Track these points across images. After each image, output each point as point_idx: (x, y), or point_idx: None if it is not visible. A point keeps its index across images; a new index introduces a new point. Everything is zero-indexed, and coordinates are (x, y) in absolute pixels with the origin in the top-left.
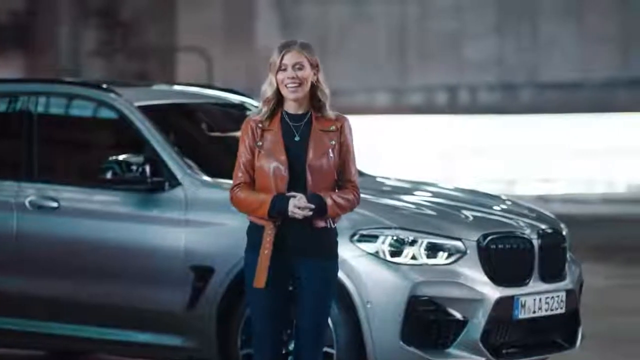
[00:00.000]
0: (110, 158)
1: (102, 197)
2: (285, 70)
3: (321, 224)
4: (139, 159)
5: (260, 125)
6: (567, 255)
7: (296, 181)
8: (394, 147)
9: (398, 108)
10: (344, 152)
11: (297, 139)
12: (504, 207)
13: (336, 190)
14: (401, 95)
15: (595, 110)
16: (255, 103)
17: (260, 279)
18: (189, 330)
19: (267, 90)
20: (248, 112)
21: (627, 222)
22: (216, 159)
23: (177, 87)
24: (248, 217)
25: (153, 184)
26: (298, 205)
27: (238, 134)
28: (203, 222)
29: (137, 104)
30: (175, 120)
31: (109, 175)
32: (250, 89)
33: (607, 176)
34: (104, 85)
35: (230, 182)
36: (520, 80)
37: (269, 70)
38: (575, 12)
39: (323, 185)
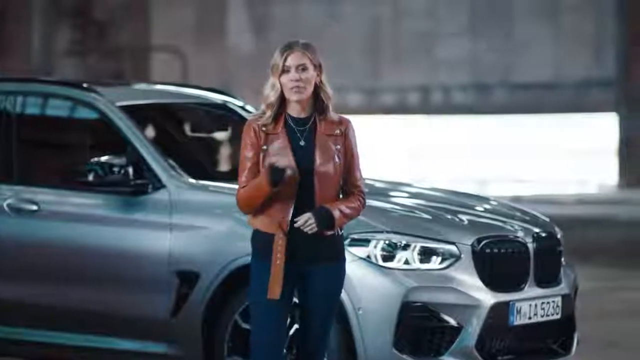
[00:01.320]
0: (92, 159)
1: (83, 200)
2: (288, 72)
3: (329, 232)
4: (122, 160)
5: (264, 128)
6: (562, 259)
7: (303, 188)
8: (366, 148)
9: (370, 108)
10: (349, 157)
11: (302, 143)
12: (498, 209)
13: (340, 196)
14: (374, 95)
15: (569, 110)
16: (238, 102)
17: (275, 290)
18: (174, 337)
19: (271, 94)
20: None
21: (603, 223)
22: (200, 161)
23: (159, 87)
24: (252, 224)
25: (136, 187)
26: (305, 226)
27: (222, 134)
28: (188, 226)
29: (118, 103)
30: (158, 120)
31: (90, 177)
32: (225, 87)
33: (580, 176)
34: (85, 85)
35: (217, 184)
36: (493, 81)
37: (271, 73)
38: (549, 13)
39: (330, 191)
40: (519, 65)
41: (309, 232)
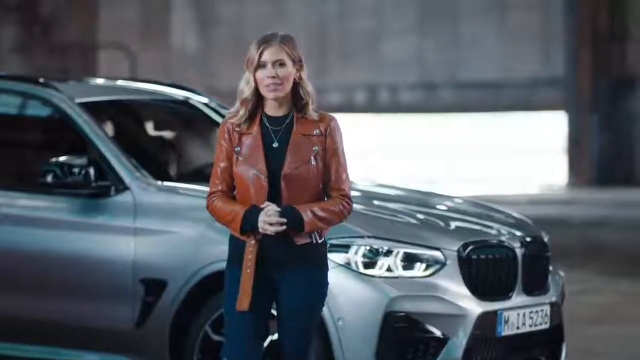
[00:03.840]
0: (51, 160)
1: (41, 203)
2: (264, 67)
3: (303, 240)
4: (82, 160)
5: (237, 128)
6: (550, 265)
7: (275, 192)
8: None
9: (317, 107)
10: (329, 158)
11: (275, 144)
12: (483, 213)
13: (324, 200)
14: (320, 94)
15: (517, 109)
16: (201, 99)
17: (243, 301)
18: (139, 349)
19: (245, 89)
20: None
21: (557, 224)
22: (164, 161)
23: (119, 83)
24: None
25: (98, 188)
26: (268, 220)
27: (186, 132)
28: (154, 231)
29: (78, 100)
30: (119, 118)
31: (49, 178)
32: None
33: (529, 176)
34: (41, 80)
35: (184, 185)
36: (441, 79)
37: (246, 68)
38: (497, 11)
39: (303, 196)
40: (467, 63)
41: (272, 232)
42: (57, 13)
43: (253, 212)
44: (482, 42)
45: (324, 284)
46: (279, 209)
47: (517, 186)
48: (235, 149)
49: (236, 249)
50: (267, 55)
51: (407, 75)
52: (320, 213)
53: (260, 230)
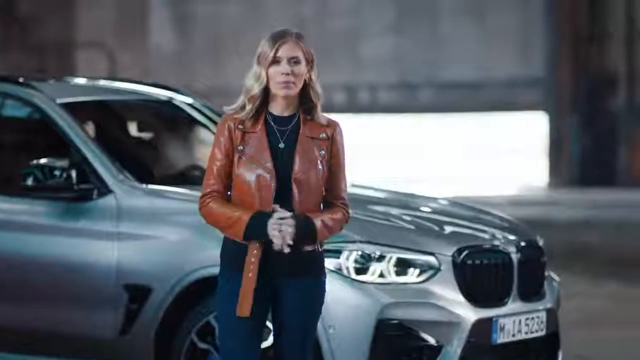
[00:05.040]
0: (31, 162)
1: (21, 207)
2: (279, 63)
3: (309, 247)
4: (64, 163)
5: (240, 126)
6: (546, 270)
7: (280, 197)
8: None
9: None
10: (334, 164)
11: (281, 145)
12: (476, 216)
13: (329, 209)
14: None
15: (497, 109)
16: (185, 99)
17: (245, 307)
18: (123, 358)
19: (254, 86)
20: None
21: (540, 225)
22: (148, 163)
23: (101, 82)
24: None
25: (80, 192)
26: (284, 230)
27: (170, 134)
28: (138, 235)
29: (59, 100)
30: (102, 119)
31: (29, 182)
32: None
33: (509, 176)
34: (21, 80)
35: (169, 189)
36: (420, 80)
37: (258, 63)
38: (476, 11)
39: (310, 202)
40: (446, 63)
41: (282, 244)
42: (35, 12)
43: (260, 218)
44: (462, 42)
45: (323, 292)
46: (292, 217)
47: (497, 187)
48: (238, 148)
49: (233, 252)
50: (284, 52)
51: (386, 76)
52: (329, 223)
53: (272, 238)
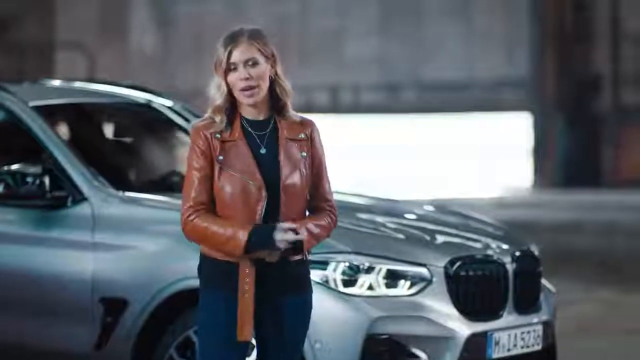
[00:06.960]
0: (2, 168)
1: None
2: (235, 70)
3: (297, 256)
4: (36, 169)
5: (218, 135)
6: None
7: (268, 206)
8: None
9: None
10: (317, 165)
11: (263, 151)
12: (468, 224)
13: (313, 214)
14: None
15: (481, 109)
16: (164, 102)
17: (246, 331)
18: None
19: (217, 96)
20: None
21: (527, 227)
22: (125, 169)
23: (76, 85)
24: (206, 251)
25: (53, 199)
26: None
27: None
28: (114, 246)
29: (32, 103)
30: (77, 122)
31: (0, 188)
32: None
33: (494, 177)
34: None
35: (148, 196)
36: (404, 80)
37: (215, 71)
38: (461, 12)
39: (296, 208)
40: (430, 64)
41: (270, 259)
42: (14, 12)
43: (263, 230)
44: (446, 42)
45: (310, 307)
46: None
47: (481, 188)
48: (219, 158)
49: (221, 273)
50: (237, 56)
51: (369, 76)
52: (315, 230)
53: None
